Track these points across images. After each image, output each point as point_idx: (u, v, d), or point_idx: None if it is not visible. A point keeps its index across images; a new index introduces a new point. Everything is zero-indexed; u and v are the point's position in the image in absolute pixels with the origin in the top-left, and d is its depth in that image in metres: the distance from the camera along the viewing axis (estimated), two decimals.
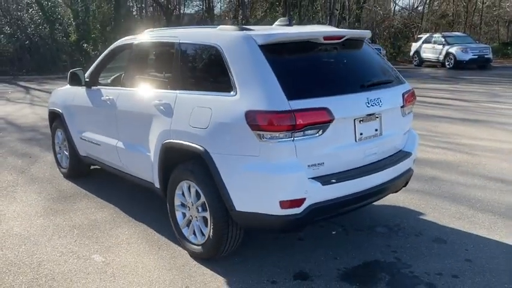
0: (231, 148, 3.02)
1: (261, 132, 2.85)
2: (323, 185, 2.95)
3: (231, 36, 3.22)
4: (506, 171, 5.42)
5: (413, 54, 23.74)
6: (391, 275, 3.22)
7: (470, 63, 20.12)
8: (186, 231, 3.54)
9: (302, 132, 2.87)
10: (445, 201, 4.56)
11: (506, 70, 19.74)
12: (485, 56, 20.54)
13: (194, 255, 3.48)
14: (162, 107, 3.55)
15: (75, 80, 4.64)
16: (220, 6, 40.22)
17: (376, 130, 3.31)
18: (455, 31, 26.64)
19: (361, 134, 3.19)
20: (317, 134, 2.93)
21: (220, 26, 3.48)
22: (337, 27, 26.53)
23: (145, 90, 3.86)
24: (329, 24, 26.34)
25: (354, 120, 3.14)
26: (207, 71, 3.47)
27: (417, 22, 29.69)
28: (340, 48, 3.41)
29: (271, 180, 2.90)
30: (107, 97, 4.30)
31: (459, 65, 20.22)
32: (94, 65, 4.75)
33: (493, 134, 7.42)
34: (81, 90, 4.80)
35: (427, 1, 31.06)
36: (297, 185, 2.89)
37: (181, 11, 38.62)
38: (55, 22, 24.28)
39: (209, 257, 3.38)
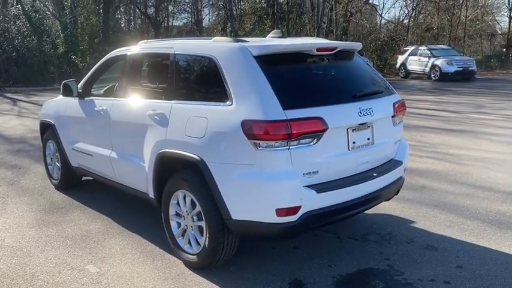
0: (227, 157, 3.06)
1: (257, 141, 2.90)
2: (318, 192, 3.00)
3: (226, 47, 3.28)
4: (493, 180, 5.54)
5: (400, 67, 24.10)
6: (384, 282, 3.26)
7: (455, 75, 20.48)
8: (181, 241, 3.55)
9: (297, 141, 2.92)
10: (435, 209, 4.64)
11: (490, 82, 20.15)
12: (470, 68, 20.96)
13: (189, 265, 3.49)
14: (157, 117, 3.58)
15: (68, 91, 4.65)
16: (209, 19, 40.55)
17: (369, 139, 3.38)
18: (440, 44, 27.16)
19: (354, 142, 3.26)
20: (312, 143, 2.99)
21: (215, 38, 3.54)
22: (326, 38, 26.86)
23: (139, 101, 3.89)
24: (316, 37, 26.71)
25: (347, 129, 3.21)
26: (202, 81, 3.52)
27: (403, 35, 30.19)
28: (333, 60, 3.49)
29: (267, 188, 2.94)
30: (100, 107, 4.31)
31: (444, 77, 20.57)
32: (87, 76, 4.77)
33: (479, 144, 7.57)
34: (73, 101, 4.81)
35: (412, 14, 31.63)
36: (293, 193, 2.94)
37: (170, 24, 38.87)
38: (43, 34, 24.17)
39: (204, 266, 3.39)
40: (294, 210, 2.95)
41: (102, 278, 3.39)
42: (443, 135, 8.37)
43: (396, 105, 3.61)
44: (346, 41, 28.67)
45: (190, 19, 40.42)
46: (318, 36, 26.95)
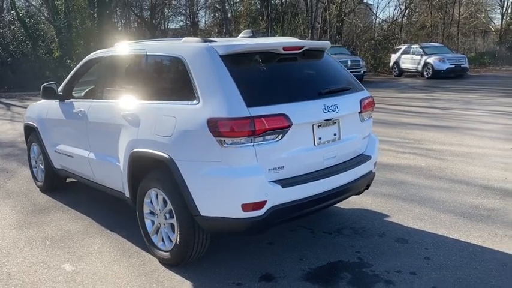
0: (195, 155, 3.13)
1: (223, 138, 2.97)
2: (283, 187, 3.08)
3: (194, 47, 3.36)
4: (472, 174, 5.62)
5: (393, 65, 24.18)
6: (352, 274, 3.34)
7: (448, 73, 20.59)
8: (155, 239, 3.63)
9: (262, 138, 3.00)
10: (411, 203, 4.71)
11: (482, 79, 20.24)
12: (462, 66, 21.05)
13: (163, 262, 3.57)
14: (130, 117, 3.66)
15: (48, 94, 4.73)
16: (205, 21, 40.70)
17: (335, 135, 3.46)
18: (433, 42, 27.25)
19: (319, 138, 3.33)
20: (276, 139, 3.06)
21: (185, 38, 3.62)
22: (319, 39, 27.00)
23: (114, 102, 3.97)
24: (311, 37, 26.80)
25: (312, 125, 3.28)
26: (172, 81, 3.60)
27: (396, 34, 30.31)
28: (301, 58, 3.56)
29: (232, 184, 3.02)
30: (79, 109, 4.39)
31: (437, 75, 20.67)
32: (67, 78, 4.85)
33: (462, 140, 7.65)
34: (55, 104, 4.88)
35: (405, 13, 31.75)
36: (258, 188, 3.01)
37: (166, 26, 39.00)
38: (38, 39, 24.28)
39: (177, 262, 3.46)
40: (259, 205, 3.03)
41: (76, 276, 3.46)
42: (428, 132, 8.45)
43: (363, 102, 3.68)
44: (340, 40, 28.80)
45: (186, 22, 40.64)
46: (312, 36, 27.06)
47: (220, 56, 3.18)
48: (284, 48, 3.38)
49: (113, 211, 4.77)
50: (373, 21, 34.50)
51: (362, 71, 19.72)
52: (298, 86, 3.40)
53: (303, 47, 3.52)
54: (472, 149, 6.95)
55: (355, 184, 3.62)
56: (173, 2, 36.05)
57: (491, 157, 6.42)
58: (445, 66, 20.72)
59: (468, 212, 4.42)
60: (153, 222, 3.64)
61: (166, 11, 38.12)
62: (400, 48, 24.01)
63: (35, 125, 5.30)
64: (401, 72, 23.44)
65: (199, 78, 3.19)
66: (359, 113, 3.67)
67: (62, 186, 5.51)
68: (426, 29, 33.01)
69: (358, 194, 3.98)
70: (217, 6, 31.41)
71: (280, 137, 3.07)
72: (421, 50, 22.23)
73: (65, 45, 23.25)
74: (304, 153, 3.26)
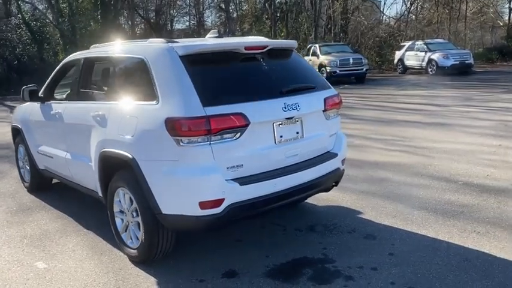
0: (154, 154, 3.20)
1: (179, 138, 3.03)
2: (241, 185, 3.13)
3: (155, 48, 3.43)
4: (454, 171, 5.60)
5: (397, 62, 24.03)
6: (314, 270, 3.38)
7: (452, 69, 20.38)
8: (124, 237, 3.70)
9: (218, 136, 3.05)
10: (387, 200, 4.73)
11: (487, 75, 20.04)
12: (466, 62, 20.82)
13: (132, 259, 3.64)
14: (98, 118, 3.74)
15: (27, 96, 4.83)
16: (211, 21, 40.89)
17: (298, 133, 3.50)
18: (439, 38, 27.01)
19: (281, 136, 3.38)
20: (234, 138, 3.11)
21: (150, 39, 3.69)
22: (323, 38, 26.90)
23: (86, 103, 4.06)
24: (314, 36, 26.78)
25: (273, 124, 3.33)
26: (135, 82, 3.67)
27: (402, 31, 30.11)
28: (266, 58, 3.60)
29: (189, 183, 3.08)
30: (56, 111, 4.49)
31: (441, 71, 20.48)
32: (47, 81, 4.95)
33: (453, 136, 7.62)
34: (37, 106, 4.99)
35: (411, 9, 31.53)
36: (214, 186, 3.07)
37: (172, 27, 39.23)
38: (43, 42, 24.63)
39: (144, 260, 3.54)
40: (217, 202, 3.08)
41: (47, 273, 3.55)
42: (421, 129, 8.42)
43: (327, 100, 3.71)
44: (345, 38, 28.70)
45: (192, 22, 40.85)
46: (315, 34, 27.03)
47: (180, 56, 3.24)
48: (246, 48, 3.43)
49: (93, 210, 4.85)
50: (380, 18, 34.31)
51: (364, 69, 19.65)
52: (259, 85, 3.44)
53: (267, 46, 3.56)
54: (460, 145, 6.92)
55: (320, 181, 3.66)
56: (178, 2, 36.23)
57: (477, 154, 6.39)
58: (449, 62, 20.51)
59: (442, 209, 4.42)
60: (122, 220, 3.71)
61: (172, 11, 38.41)
62: (405, 45, 23.84)
63: (19, 126, 5.42)
64: (406, 70, 23.29)
65: (159, 79, 3.26)
66: (324, 111, 3.70)
67: (47, 186, 5.62)
68: (432, 25, 32.74)
69: (327, 191, 4.01)
70: (222, 6, 31.57)
71: (238, 135, 3.12)
72: (425, 47, 22.04)
73: (70, 47, 23.54)
74: (264, 152, 3.30)
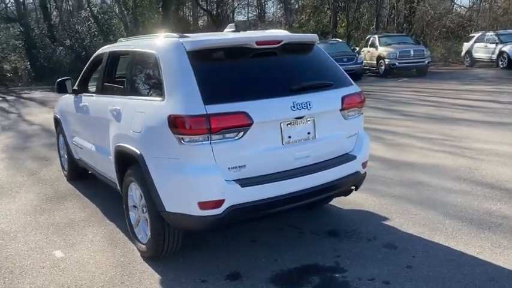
0: (159, 151, 3.16)
1: (180, 136, 2.97)
2: (242, 187, 3.01)
3: (165, 43, 3.38)
4: (501, 177, 5.11)
5: (465, 54, 22.49)
6: (321, 278, 3.20)
7: None
8: (136, 231, 3.72)
9: (220, 136, 2.95)
10: (419, 206, 4.39)
11: None
12: None
13: (142, 254, 3.65)
14: (115, 112, 3.77)
15: (61, 89, 4.99)
16: (273, 12, 40.68)
17: (309, 133, 3.31)
18: None
19: (289, 137, 3.21)
20: (236, 137, 3.00)
21: (166, 34, 3.64)
22: (385, 28, 25.83)
23: (107, 97, 4.11)
24: (376, 26, 25.79)
25: (280, 123, 3.16)
26: (147, 77, 3.65)
27: (473, 21, 28.18)
28: (281, 53, 3.44)
29: (190, 182, 3.01)
30: (84, 104, 4.60)
31: None
32: (81, 73, 5.09)
33: (509, 137, 6.97)
34: (72, 98, 5.16)
35: None
36: (214, 187, 2.98)
37: (234, 18, 39.52)
38: (109, 34, 25.76)
39: (152, 256, 3.53)
40: (217, 203, 2.99)
41: (62, 262, 3.65)
42: (475, 128, 7.80)
43: (346, 99, 3.47)
44: (410, 29, 27.37)
45: (254, 13, 40.94)
46: (377, 25, 26.04)
47: (187, 51, 3.16)
48: (257, 43, 3.28)
49: (119, 202, 4.92)
50: (450, 7, 32.31)
51: (426, 61, 18.60)
52: (267, 82, 3.28)
53: (281, 41, 3.39)
54: None
55: (335, 184, 3.45)
56: None
57: None
58: None
59: (478, 219, 4.04)
60: (135, 214, 3.73)
61: (234, 3, 38.69)
62: (473, 36, 22.27)
63: (58, 116, 5.64)
64: (474, 62, 21.76)
65: (166, 75, 3.21)
66: (341, 110, 3.46)
67: (84, 176, 5.80)
68: (508, 15, 30.35)
69: (345, 194, 3.79)
70: None
71: (240, 135, 3.00)
72: (496, 38, 20.43)
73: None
74: (270, 152, 3.15)
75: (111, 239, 4.06)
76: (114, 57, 4.32)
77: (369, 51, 19.91)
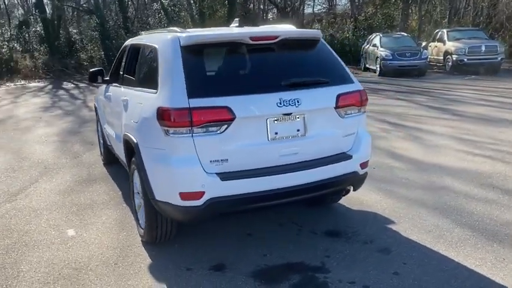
0: (150, 141, 3.30)
1: (166, 128, 3.08)
2: (222, 180, 3.06)
3: (165, 37, 3.50)
4: None
5: None
6: (302, 277, 3.18)
7: None
8: (139, 216, 3.91)
9: (201, 129, 3.02)
10: (432, 212, 4.18)
11: None
12: None
13: (141, 238, 3.83)
14: (124, 103, 3.97)
15: (93, 78, 5.31)
16: (344, 4, 39.75)
17: (298, 130, 3.27)
18: None
19: (276, 133, 3.20)
20: (218, 132, 3.05)
21: (170, 28, 3.76)
22: (459, 22, 24.36)
23: (123, 88, 4.33)
24: (448, 19, 24.36)
25: (267, 119, 3.16)
26: (149, 70, 3.79)
27: None
28: (279, 49, 3.42)
29: (171, 173, 3.11)
30: (109, 93, 4.88)
31: None
32: (112, 65, 5.38)
33: None
34: (104, 87, 5.48)
35: None
36: (194, 178, 3.05)
37: (303, 11, 39.14)
38: (177, 26, 26.70)
39: (149, 241, 3.70)
40: (197, 195, 3.06)
41: (70, 241, 3.93)
42: None
43: (342, 97, 3.38)
44: (488, 23, 25.51)
45: (324, 5, 40.25)
46: (449, 18, 24.58)
47: (181, 46, 3.25)
48: (252, 38, 3.29)
49: None
50: None
51: (499, 58, 17.27)
52: (255, 78, 3.29)
53: (278, 36, 3.37)
54: None
55: (327, 183, 3.38)
56: None
57: None
58: None
59: (492, 230, 3.76)
60: (138, 200, 3.91)
61: None
62: None
63: (95, 104, 6.01)
64: None
65: (161, 68, 3.32)
66: (337, 108, 3.38)
67: (117, 160, 6.14)
68: None
69: (339, 194, 3.69)
70: None
71: (222, 129, 3.04)
72: None
73: None
74: (254, 148, 3.16)
75: (121, 222, 4.29)
76: (133, 50, 4.52)
77: (436, 46, 18.89)
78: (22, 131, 9.00)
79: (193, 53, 3.23)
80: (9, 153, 7.27)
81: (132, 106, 3.71)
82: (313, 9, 36.66)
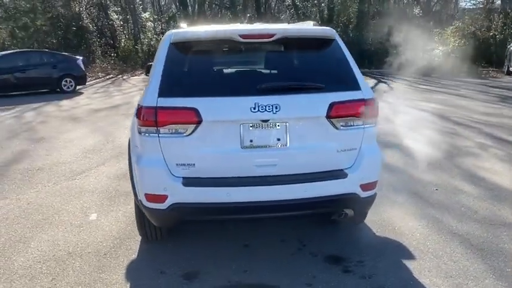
0: (133, 139, 3.30)
1: (138, 126, 3.02)
2: (185, 185, 2.89)
3: (168, 33, 3.41)
4: None
5: None
6: None
7: None
8: None
9: (166, 130, 2.88)
10: (471, 254, 3.41)
11: None
12: None
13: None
14: None
15: (145, 72, 5.50)
16: None
17: (279, 140, 2.91)
18: None
19: (250, 141, 2.90)
20: (184, 134, 2.88)
21: (182, 24, 3.66)
22: (499, 19, 20.73)
23: None
24: (485, 17, 20.78)
25: (240, 125, 2.87)
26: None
27: None
28: (276, 48, 3.11)
29: (140, 173, 3.04)
30: None
31: None
32: None
33: None
34: None
35: None
36: (156, 181, 2.94)
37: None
38: (305, 20, 26.72)
39: (141, 235, 3.69)
40: (160, 198, 2.95)
41: (88, 224, 4.13)
42: None
43: (337, 105, 2.90)
44: None
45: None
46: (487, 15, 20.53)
47: (170, 43, 3.14)
48: (242, 36, 3.02)
49: None
50: None
51: None
52: (232, 80, 3.02)
53: (274, 35, 3.03)
54: None
55: (311, 203, 2.96)
56: None
57: None
58: None
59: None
60: None
61: None
62: None
63: None
64: None
65: (153, 64, 3.26)
66: (329, 118, 2.92)
67: None
68: None
69: (336, 217, 3.20)
70: None
71: (189, 132, 2.86)
72: None
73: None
74: (225, 155, 2.91)
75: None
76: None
77: None
78: (127, 116, 9.84)
79: (180, 51, 3.09)
80: (102, 135, 8.04)
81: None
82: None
